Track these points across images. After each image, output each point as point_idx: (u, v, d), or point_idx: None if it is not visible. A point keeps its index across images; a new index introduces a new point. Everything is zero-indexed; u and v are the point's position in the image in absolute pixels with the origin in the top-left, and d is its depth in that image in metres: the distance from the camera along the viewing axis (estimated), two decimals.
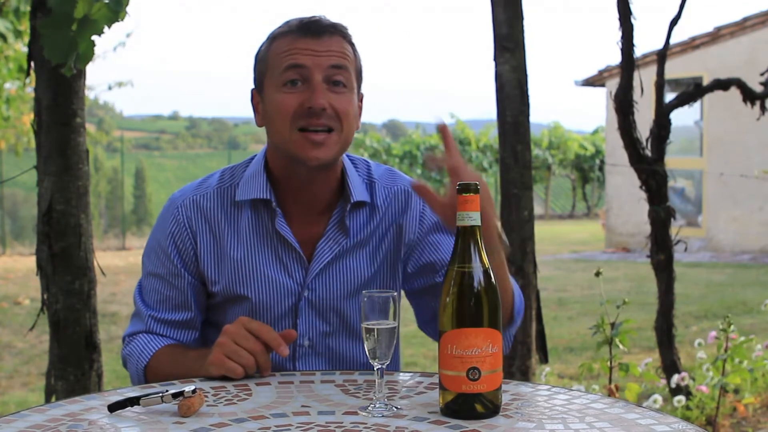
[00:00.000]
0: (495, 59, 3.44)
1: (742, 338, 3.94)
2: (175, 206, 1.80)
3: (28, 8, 3.14)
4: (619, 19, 3.87)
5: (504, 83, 3.42)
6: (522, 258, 3.41)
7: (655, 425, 1.34)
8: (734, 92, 4.25)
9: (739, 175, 10.92)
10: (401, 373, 1.67)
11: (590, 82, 14.01)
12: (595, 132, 23.06)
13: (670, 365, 4.14)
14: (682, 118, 11.86)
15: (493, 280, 1.41)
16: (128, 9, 2.63)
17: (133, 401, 1.41)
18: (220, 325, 1.80)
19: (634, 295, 7.77)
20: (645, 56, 10.20)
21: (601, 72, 13.65)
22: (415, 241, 1.83)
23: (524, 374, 3.41)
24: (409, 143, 21.38)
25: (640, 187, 4.06)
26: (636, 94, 3.95)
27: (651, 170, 3.98)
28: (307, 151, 1.69)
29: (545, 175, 21.89)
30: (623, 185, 12.79)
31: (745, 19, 11.94)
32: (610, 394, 3.22)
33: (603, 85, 13.74)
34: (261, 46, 1.78)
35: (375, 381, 1.44)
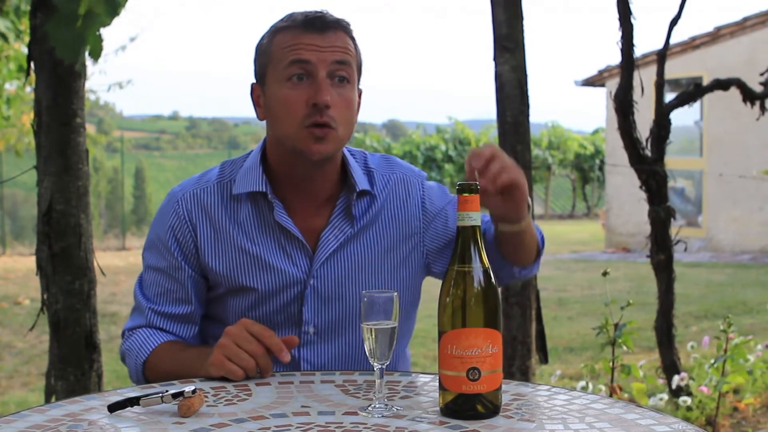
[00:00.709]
0: (495, 59, 3.44)
1: (743, 338, 3.94)
2: (175, 200, 1.81)
3: (29, 8, 3.14)
4: (619, 19, 3.87)
5: (504, 83, 3.42)
6: None
7: (655, 425, 1.34)
8: (734, 92, 4.25)
9: (738, 176, 10.92)
10: (401, 373, 1.68)
11: (590, 82, 14.01)
12: (595, 132, 23.05)
13: (670, 365, 4.14)
14: (682, 118, 11.86)
15: (493, 280, 1.41)
16: (133, 15, 2.64)
17: (133, 401, 1.41)
18: (221, 318, 1.81)
19: (634, 295, 7.76)
20: (645, 56, 10.20)
21: (601, 72, 13.65)
22: (419, 227, 1.85)
23: (524, 374, 3.41)
24: (409, 143, 21.38)
25: (640, 187, 4.06)
26: (636, 94, 3.95)
27: (651, 170, 3.98)
28: (310, 146, 1.70)
29: (545, 175, 21.89)
30: (623, 185, 12.79)
31: (745, 19, 11.94)
32: (612, 393, 3.23)
33: (603, 85, 13.74)
34: (263, 39, 1.78)
35: (375, 381, 1.44)
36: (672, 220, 4.06)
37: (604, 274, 3.21)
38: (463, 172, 20.51)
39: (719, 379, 3.82)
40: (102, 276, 3.27)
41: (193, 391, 1.40)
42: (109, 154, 23.03)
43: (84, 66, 2.70)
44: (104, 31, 2.63)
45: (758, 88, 4.25)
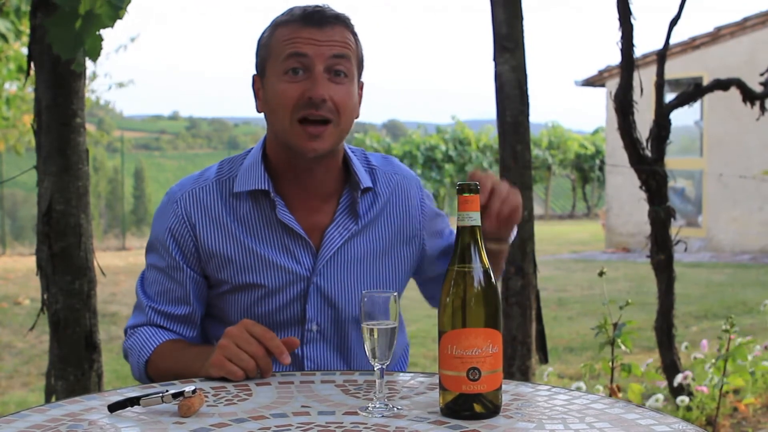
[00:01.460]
0: (495, 59, 3.44)
1: (742, 339, 3.94)
2: (173, 200, 1.80)
3: (29, 8, 3.14)
4: (619, 19, 3.87)
5: (504, 83, 3.42)
6: (522, 258, 3.41)
7: (655, 425, 1.34)
8: (734, 92, 4.25)
9: (738, 176, 10.92)
10: (401, 373, 1.68)
11: (590, 82, 14.02)
12: (595, 132, 23.06)
13: (670, 365, 4.14)
14: (682, 118, 11.86)
15: (493, 280, 1.41)
16: (134, 15, 2.64)
17: (133, 401, 1.41)
18: (224, 316, 1.81)
19: (634, 295, 7.77)
20: (645, 56, 10.20)
21: (601, 72, 13.65)
22: (419, 229, 1.87)
23: (524, 374, 3.41)
24: (409, 143, 21.38)
25: (640, 188, 4.06)
26: (636, 94, 3.95)
27: (651, 170, 3.98)
28: (304, 143, 1.70)
29: (545, 175, 21.89)
30: (623, 185, 12.79)
31: (745, 19, 11.94)
32: (612, 394, 3.22)
33: (603, 85, 13.75)
34: (264, 32, 1.78)
35: (375, 381, 1.44)
36: (672, 220, 4.06)
37: (601, 274, 3.20)
38: (462, 172, 20.54)
39: (719, 378, 3.82)
40: (102, 276, 3.27)
41: (193, 391, 1.40)
42: (109, 154, 23.03)
43: (82, 66, 2.70)
44: (104, 32, 2.63)
45: (758, 88, 4.24)
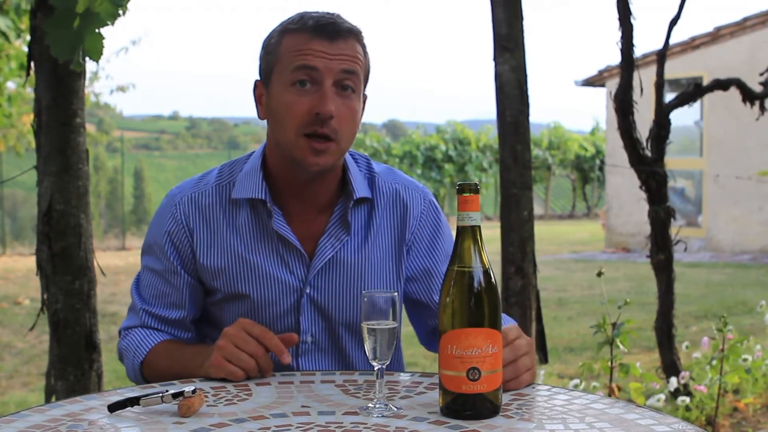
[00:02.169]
0: (495, 59, 3.44)
1: (740, 338, 3.94)
2: (172, 204, 1.79)
3: (29, 6, 3.14)
4: (619, 19, 3.87)
5: (504, 83, 3.42)
6: (522, 258, 3.41)
7: (655, 425, 1.34)
8: (734, 92, 4.26)
9: (738, 177, 10.91)
10: (401, 373, 1.68)
11: (590, 82, 14.01)
12: (593, 132, 23.05)
13: (670, 365, 4.14)
14: (682, 118, 11.86)
15: (493, 280, 1.41)
16: (135, 15, 2.64)
17: (133, 401, 1.41)
18: (219, 322, 1.80)
19: (634, 295, 7.77)
20: (645, 56, 10.20)
21: (601, 72, 13.65)
22: (412, 241, 1.83)
23: None
24: (409, 143, 21.38)
25: (640, 188, 4.06)
26: (636, 94, 3.95)
27: (651, 170, 3.98)
28: (309, 157, 1.68)
29: (545, 175, 21.89)
30: (623, 185, 12.79)
31: (745, 19, 11.94)
32: (611, 393, 3.22)
33: (603, 85, 13.74)
34: (271, 37, 1.74)
35: (375, 381, 1.44)
36: (672, 220, 4.06)
37: (599, 274, 3.20)
38: (462, 172, 20.55)
39: (718, 378, 3.82)
40: (102, 276, 3.27)
41: (193, 391, 1.40)
42: (109, 154, 23.03)
43: (81, 66, 2.70)
44: (105, 33, 2.62)
45: (758, 88, 4.25)
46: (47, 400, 3.01)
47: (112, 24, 2.61)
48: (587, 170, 22.51)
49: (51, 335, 3.03)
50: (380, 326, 1.43)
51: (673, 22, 4.05)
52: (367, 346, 1.44)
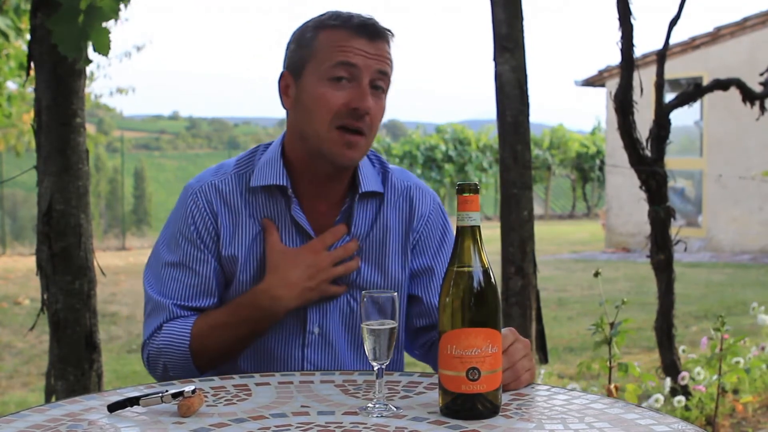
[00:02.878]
0: (495, 59, 3.44)
1: (737, 337, 3.93)
2: (193, 192, 1.80)
3: (29, 6, 3.14)
4: (619, 19, 3.87)
5: (504, 83, 3.42)
6: (522, 258, 3.41)
7: (655, 425, 1.34)
8: (734, 92, 4.25)
9: (738, 177, 10.91)
10: (401, 373, 1.68)
11: (590, 82, 14.02)
12: (593, 132, 23.05)
13: (670, 365, 4.14)
14: (682, 118, 11.86)
15: (492, 280, 1.41)
16: (136, 15, 2.65)
17: (132, 401, 1.41)
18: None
19: (634, 295, 7.77)
20: (645, 56, 10.20)
21: (601, 72, 13.65)
22: (418, 240, 1.85)
23: None
24: (409, 143, 21.39)
25: (640, 187, 4.06)
26: (636, 94, 3.95)
27: (651, 170, 3.98)
28: (342, 150, 1.71)
29: (545, 175, 21.89)
30: (623, 185, 12.79)
31: (745, 19, 11.94)
32: (609, 394, 3.22)
33: (603, 85, 13.75)
34: (305, 31, 1.76)
35: (375, 381, 1.44)
36: (672, 220, 4.06)
37: (596, 274, 3.20)
38: (462, 172, 20.54)
39: (716, 377, 3.82)
40: (102, 276, 3.27)
41: (193, 391, 1.40)
42: (109, 154, 23.03)
43: (88, 62, 2.70)
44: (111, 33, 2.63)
45: (758, 88, 4.25)
46: (47, 400, 3.01)
47: (116, 19, 2.62)
48: (587, 170, 22.50)
49: (51, 335, 3.03)
50: (380, 326, 1.43)
51: (673, 22, 4.05)
52: (367, 346, 1.44)
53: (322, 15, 1.77)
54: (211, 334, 1.73)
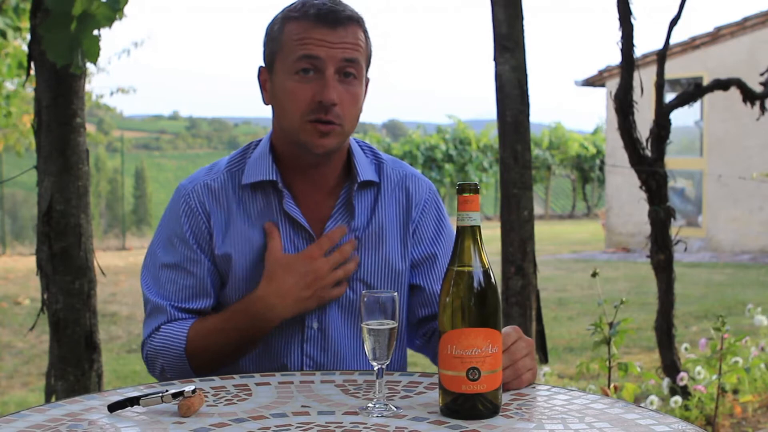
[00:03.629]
0: (495, 59, 3.44)
1: (737, 337, 3.94)
2: (186, 192, 1.80)
3: (28, 5, 3.14)
4: (619, 20, 3.87)
5: (504, 83, 3.42)
6: (522, 258, 3.41)
7: (655, 425, 1.34)
8: (734, 92, 4.25)
9: (738, 177, 10.91)
10: (401, 373, 1.68)
11: (590, 82, 14.01)
12: (595, 132, 23.05)
13: (670, 365, 4.14)
14: (682, 118, 11.86)
15: (492, 280, 1.41)
16: (136, 15, 2.65)
17: (133, 401, 1.41)
18: (223, 305, 1.79)
19: (634, 295, 7.76)
20: (645, 56, 10.20)
21: (601, 72, 13.65)
22: (416, 227, 1.86)
23: None
24: (409, 143, 21.37)
25: (640, 188, 4.05)
26: (636, 94, 3.95)
27: (651, 170, 3.98)
28: (315, 140, 1.71)
29: (545, 175, 21.88)
30: (623, 185, 12.79)
31: (745, 19, 11.93)
32: (605, 394, 3.22)
33: (603, 85, 13.74)
34: (274, 24, 1.77)
35: (375, 381, 1.44)
36: (672, 220, 4.06)
37: (594, 274, 3.21)
38: (462, 172, 20.53)
39: (716, 377, 3.82)
40: (102, 276, 3.27)
41: (193, 391, 1.40)
42: (109, 154, 23.02)
43: (81, 68, 2.69)
44: (108, 34, 2.63)
45: (758, 88, 4.24)
46: (47, 400, 3.01)
47: (109, 27, 2.61)
48: (587, 170, 22.50)
49: (51, 335, 3.03)
50: (380, 326, 1.43)
51: (673, 22, 4.05)
52: (367, 346, 1.44)
53: (290, 5, 1.76)
54: (206, 338, 1.74)
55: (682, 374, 4.05)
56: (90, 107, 12.04)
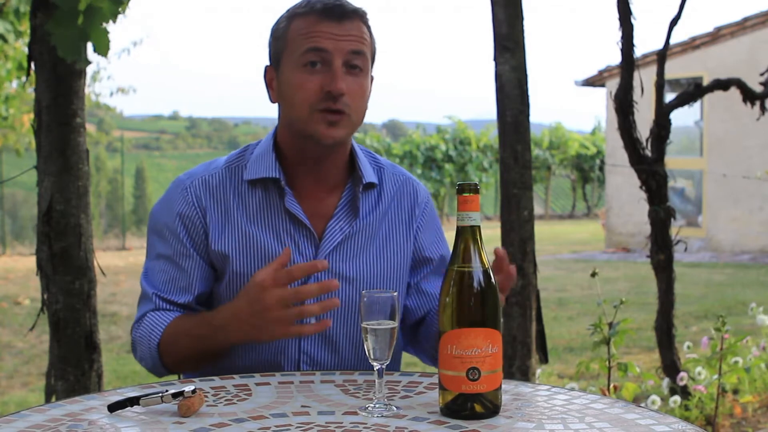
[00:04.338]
0: (495, 59, 3.44)
1: (738, 337, 3.93)
2: (183, 186, 1.80)
3: (29, 9, 3.14)
4: (619, 20, 3.87)
5: (504, 83, 3.42)
6: (522, 258, 3.41)
7: (655, 425, 1.34)
8: (734, 92, 4.25)
9: (740, 176, 10.91)
10: (401, 373, 1.68)
11: (590, 82, 14.01)
12: (593, 132, 23.04)
13: (670, 365, 4.14)
14: (682, 118, 11.86)
15: (492, 280, 1.41)
16: (136, 15, 2.65)
17: (133, 401, 1.41)
18: (224, 302, 1.78)
19: (634, 295, 7.76)
20: (645, 56, 10.19)
21: (601, 72, 13.65)
22: (419, 229, 1.88)
23: (524, 374, 3.40)
24: (409, 143, 21.36)
25: (640, 187, 4.05)
26: (636, 94, 3.95)
27: (651, 170, 3.98)
28: (322, 130, 1.72)
29: (545, 175, 21.88)
30: (623, 185, 12.79)
31: (745, 19, 11.93)
32: (604, 394, 3.22)
33: (603, 85, 13.74)
34: (279, 23, 1.79)
35: (375, 381, 1.44)
36: (672, 220, 4.06)
37: (593, 274, 3.21)
38: (462, 172, 20.54)
39: (716, 378, 3.82)
40: (102, 276, 3.27)
41: (193, 391, 1.40)
42: (109, 153, 23.02)
43: (87, 62, 2.70)
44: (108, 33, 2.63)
45: (758, 88, 4.24)
46: (47, 400, 3.01)
47: (114, 21, 2.62)
48: (587, 170, 22.50)
49: (51, 335, 3.03)
50: (380, 326, 1.43)
51: (673, 22, 4.05)
52: (367, 346, 1.44)
53: (295, 4, 1.79)
54: (177, 339, 1.74)
55: (682, 374, 4.05)
56: (90, 107, 12.05)
